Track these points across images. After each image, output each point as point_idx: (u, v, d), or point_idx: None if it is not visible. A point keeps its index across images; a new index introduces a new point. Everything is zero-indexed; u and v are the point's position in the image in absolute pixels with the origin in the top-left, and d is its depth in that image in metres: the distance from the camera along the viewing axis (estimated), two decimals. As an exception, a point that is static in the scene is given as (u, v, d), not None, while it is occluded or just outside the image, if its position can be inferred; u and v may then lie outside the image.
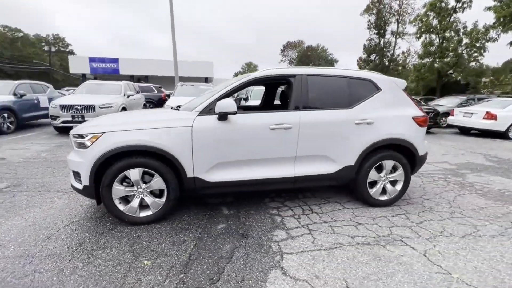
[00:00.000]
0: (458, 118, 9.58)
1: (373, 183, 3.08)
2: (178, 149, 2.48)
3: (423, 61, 25.76)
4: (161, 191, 2.56)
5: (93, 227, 2.50)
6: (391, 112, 3.01)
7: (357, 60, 40.35)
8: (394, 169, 3.08)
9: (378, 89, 3.04)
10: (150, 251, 2.16)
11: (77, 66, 30.78)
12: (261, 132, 2.65)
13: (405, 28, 33.09)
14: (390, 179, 3.10)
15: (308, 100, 2.84)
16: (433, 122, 9.62)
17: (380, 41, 36.33)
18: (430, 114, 9.47)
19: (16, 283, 1.76)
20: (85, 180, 2.41)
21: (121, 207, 2.49)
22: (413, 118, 3.06)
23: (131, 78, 30.46)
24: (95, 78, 24.55)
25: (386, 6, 34.29)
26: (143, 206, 2.56)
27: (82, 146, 2.43)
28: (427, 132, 9.97)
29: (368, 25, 36.45)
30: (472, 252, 2.25)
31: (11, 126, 7.62)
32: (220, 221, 2.70)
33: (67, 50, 56.32)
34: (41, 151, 5.55)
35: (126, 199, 2.53)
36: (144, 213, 2.55)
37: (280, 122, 2.68)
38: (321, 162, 2.87)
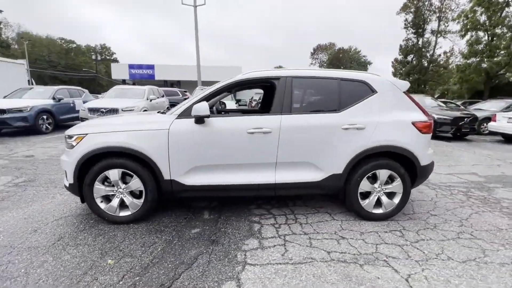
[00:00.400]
0: (501, 124, 8.44)
1: (366, 194, 2.81)
2: (155, 151, 2.52)
3: (468, 61, 23.41)
4: (140, 192, 2.62)
5: (77, 224, 2.64)
6: (387, 116, 2.73)
7: (392, 62, 38.08)
8: (392, 179, 2.78)
9: (373, 91, 2.78)
10: (118, 250, 2.21)
11: (118, 72, 33.52)
12: (238, 136, 2.58)
13: (447, 26, 30.45)
14: (386, 191, 2.80)
15: (292, 104, 2.69)
16: (469, 128, 8.62)
17: (418, 40, 33.87)
18: (465, 119, 8.50)
19: (-10, 271, 1.91)
20: (70, 178, 2.56)
21: (102, 205, 2.59)
22: (413, 123, 2.74)
23: (165, 83, 32.39)
24: (134, 84, 26.45)
25: (426, 3, 31.88)
26: (123, 206, 2.64)
27: (70, 146, 2.58)
28: (462, 139, 8.98)
29: (405, 24, 34.25)
30: (468, 281, 1.91)
31: (49, 127, 8.50)
32: (197, 225, 2.67)
33: (112, 58, 61.64)
34: (66, 150, 6.08)
35: (108, 198, 2.63)
36: (123, 213, 2.63)
37: (259, 126, 2.58)
38: (304, 170, 2.70)
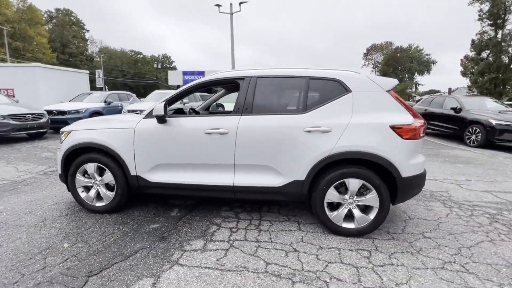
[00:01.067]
0: None
1: (337, 206, 2.51)
2: (122, 148, 2.71)
3: None
4: (113, 185, 2.84)
5: (64, 209, 3.01)
6: (360, 118, 2.40)
7: (461, 60, 33.06)
8: (367, 190, 2.43)
9: (347, 90, 2.49)
10: (79, 236, 2.44)
11: (174, 79, 36.83)
12: (197, 136, 2.59)
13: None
14: (359, 203, 2.46)
15: (253, 104, 2.59)
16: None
17: (496, 33, 28.70)
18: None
19: (-23, 241, 2.32)
20: (59, 169, 2.94)
21: (82, 195, 2.90)
22: (392, 127, 2.34)
23: None
24: (178, 87, 28.74)
25: (508, -12, 26.88)
26: (99, 197, 2.90)
27: (61, 141, 2.97)
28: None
29: (480, 15, 29.47)
30: (416, 321, 1.55)
31: (100, 126, 9.88)
32: (159, 221, 2.77)
33: (171, 66, 68.30)
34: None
35: (88, 189, 2.94)
36: (99, 203, 2.89)
37: (216, 126, 2.55)
38: (264, 174, 2.55)
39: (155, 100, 10.36)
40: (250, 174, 2.58)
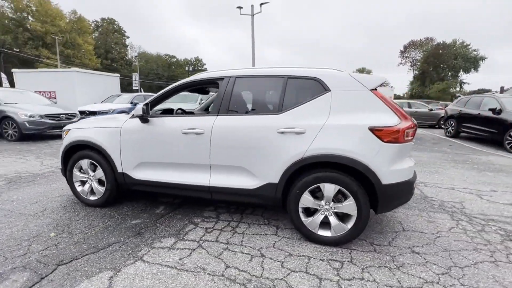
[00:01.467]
0: None
1: (314, 211, 2.38)
2: (110, 146, 2.86)
3: None
4: (104, 180, 3.02)
5: (65, 202, 3.26)
6: (337, 119, 2.24)
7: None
8: (344, 197, 2.26)
9: (325, 89, 2.34)
10: (66, 227, 2.63)
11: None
12: (175, 136, 2.64)
13: None
14: (336, 210, 2.29)
15: (229, 105, 2.56)
16: None
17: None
18: None
19: (-17, 225, 2.62)
20: (60, 164, 3.20)
21: (78, 189, 3.13)
22: (371, 128, 2.14)
23: None
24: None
25: None
26: (93, 191, 3.10)
27: (62, 138, 3.23)
28: None
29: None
30: None
31: (126, 125, 10.61)
32: (142, 217, 2.87)
33: (202, 68, 70.79)
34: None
35: (84, 183, 3.15)
36: (92, 197, 3.09)
37: (192, 126, 2.57)
38: (239, 175, 2.51)
39: (179, 101, 10.79)
40: (225, 175, 2.55)
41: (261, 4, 13.94)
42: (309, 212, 2.39)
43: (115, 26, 51.83)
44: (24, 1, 36.23)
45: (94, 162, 2.98)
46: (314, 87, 2.38)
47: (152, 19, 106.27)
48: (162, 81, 57.29)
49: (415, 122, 2.34)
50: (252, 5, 14.17)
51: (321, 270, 2.01)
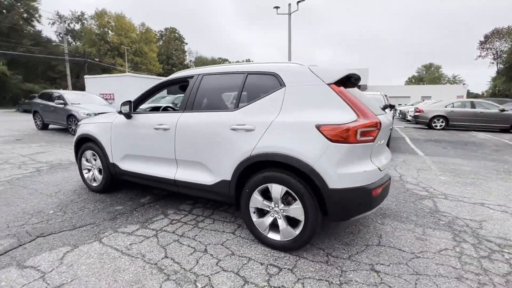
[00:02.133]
0: None
1: (266, 213, 2.27)
2: (104, 139, 3.24)
3: None
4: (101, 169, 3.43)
5: (78, 186, 3.81)
6: (287, 116, 2.10)
7: None
8: (293, 200, 2.10)
9: (281, 85, 2.22)
10: (65, 207, 3.07)
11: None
12: (148, 131, 2.83)
13: None
14: (285, 214, 2.14)
15: (195, 101, 2.63)
16: None
17: None
18: None
19: (16, 195, 3.26)
20: (74, 153, 3.75)
21: (85, 175, 3.62)
22: (318, 126, 1.94)
23: None
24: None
25: None
26: (94, 178, 3.55)
27: (76, 132, 3.78)
28: None
29: None
30: None
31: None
32: (126, 204, 3.15)
33: (253, 70, 72.63)
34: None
35: (89, 170, 3.63)
36: (94, 184, 3.53)
37: (161, 122, 2.72)
38: (199, 171, 2.55)
39: None
40: (188, 170, 2.63)
41: (298, 2, 13.60)
42: (262, 213, 2.30)
43: (176, 34, 57.24)
44: (105, 18, 42.90)
45: (95, 153, 3.41)
46: (271, 83, 2.28)
47: (209, 25, 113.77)
48: (215, 83, 60.90)
49: (380, 120, 2.02)
50: (289, 4, 13.94)
51: (252, 274, 1.92)
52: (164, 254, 2.14)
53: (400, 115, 19.00)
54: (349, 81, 2.28)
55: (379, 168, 2.03)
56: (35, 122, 10.74)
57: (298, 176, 2.04)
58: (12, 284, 1.76)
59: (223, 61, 67.91)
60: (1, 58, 33.72)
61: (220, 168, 2.39)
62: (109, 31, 44.02)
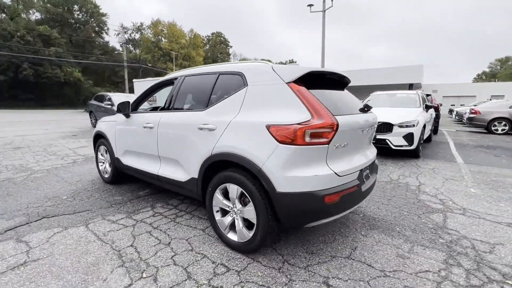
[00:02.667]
0: None
1: (226, 212, 2.28)
2: (110, 136, 3.61)
3: None
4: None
5: (96, 177, 4.31)
6: (245, 115, 2.07)
7: None
8: (248, 201, 2.06)
9: (244, 84, 2.20)
10: (77, 194, 3.52)
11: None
12: (139, 130, 3.07)
13: None
14: (241, 215, 2.12)
15: (175, 101, 2.77)
16: None
17: None
18: None
19: (46, 182, 3.86)
20: (93, 149, 4.26)
21: (100, 168, 4.08)
22: (268, 127, 1.86)
23: None
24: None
25: None
26: (106, 171, 3.97)
27: (97, 129, 4.28)
28: None
29: None
30: None
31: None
32: (126, 195, 3.46)
33: (296, 70, 71.78)
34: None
35: (103, 163, 4.08)
36: (106, 176, 3.96)
37: (148, 121, 2.92)
38: (174, 167, 2.67)
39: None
40: (168, 167, 2.78)
41: (332, -2, 12.89)
42: (224, 212, 2.30)
43: (221, 38, 59.89)
44: (159, 27, 47.17)
45: (106, 148, 3.82)
46: (237, 83, 2.27)
47: (254, 28, 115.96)
48: (257, 85, 61.95)
49: (337, 122, 1.84)
50: (324, 0, 13.33)
51: (199, 271, 1.95)
52: (131, 243, 2.31)
53: (457, 117, 16.69)
54: (322, 80, 2.15)
55: (336, 173, 1.86)
56: (91, 120, 12.42)
57: (252, 177, 2.00)
58: (3, 254, 2.11)
59: (265, 61, 68.60)
60: (77, 66, 39.78)
61: (190, 166, 2.48)
62: (162, 39, 48.31)
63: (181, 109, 2.74)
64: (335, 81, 2.45)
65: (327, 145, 1.83)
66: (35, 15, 42.51)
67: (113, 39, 69.71)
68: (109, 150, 3.69)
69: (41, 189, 3.67)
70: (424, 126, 6.15)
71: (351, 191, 1.96)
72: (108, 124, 3.72)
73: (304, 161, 1.81)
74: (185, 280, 1.84)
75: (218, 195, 2.25)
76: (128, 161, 3.38)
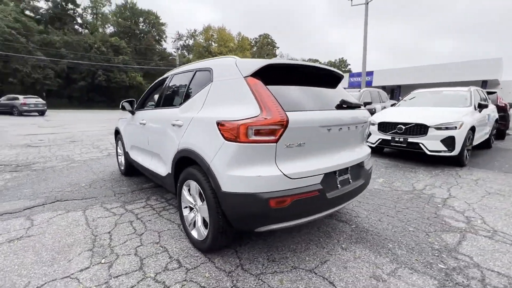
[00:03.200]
0: None
1: (191, 209, 2.27)
2: (122, 132, 3.95)
3: None
4: (127, 157, 4.18)
5: (117, 169, 4.76)
6: (205, 112, 2.05)
7: None
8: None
9: (211, 80, 2.16)
10: (94, 183, 3.93)
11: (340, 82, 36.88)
12: (138, 126, 3.28)
13: None
14: (199, 212, 2.08)
15: (163, 99, 2.88)
16: None
17: None
18: None
19: (73, 172, 4.44)
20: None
21: (118, 161, 4.50)
22: (218, 123, 1.78)
23: (383, 88, 31.10)
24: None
25: None
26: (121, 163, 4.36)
27: (120, 126, 4.73)
28: None
29: None
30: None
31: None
32: (131, 186, 3.74)
33: (346, 69, 67.98)
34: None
35: (120, 156, 4.48)
36: (122, 168, 4.35)
37: (142, 118, 3.10)
38: (159, 162, 2.77)
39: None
40: (154, 161, 2.90)
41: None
42: (191, 209, 2.30)
43: (268, 40, 60.41)
44: (210, 32, 49.98)
45: (121, 143, 4.20)
46: (207, 79, 2.25)
47: (302, 28, 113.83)
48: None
49: (287, 118, 1.65)
50: (367, -8, 12.20)
51: (152, 264, 1.98)
52: (109, 230, 2.48)
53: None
54: (300, 75, 2.02)
55: (285, 174, 1.67)
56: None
57: (205, 175, 1.95)
58: (10, 228, 2.49)
59: (313, 61, 66.74)
60: (140, 71, 44.80)
61: (167, 161, 2.54)
62: (212, 43, 51.06)
63: (165, 106, 2.84)
64: (324, 77, 2.25)
65: (274, 144, 1.66)
66: (110, 29, 49.41)
67: (170, 46, 76.52)
68: (122, 145, 4.04)
69: (69, 177, 4.22)
70: (473, 129, 5.17)
71: (308, 196, 1.75)
72: (123, 121, 4.08)
73: (248, 160, 1.68)
74: (136, 270, 1.89)
75: (184, 191, 2.26)
76: (133, 155, 3.64)
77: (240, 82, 1.88)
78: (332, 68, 2.30)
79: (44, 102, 20.89)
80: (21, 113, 19.56)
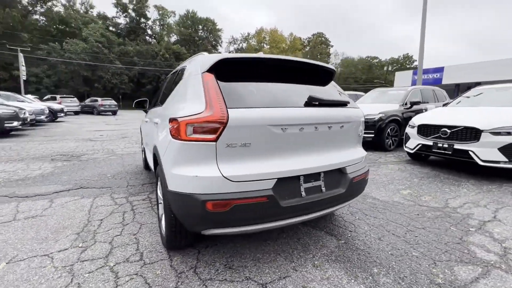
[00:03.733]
0: None
1: (166, 205, 2.30)
2: (142, 129, 4.29)
3: None
4: (146, 152, 4.53)
5: (138, 167, 5.20)
6: (168, 109, 2.05)
7: None
8: (169, 197, 2.02)
9: (183, 77, 2.16)
10: (117, 175, 4.38)
11: (402, 80, 33.18)
12: (144, 124, 3.51)
13: None
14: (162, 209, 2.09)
15: (160, 98, 2.99)
16: None
17: None
18: None
19: (85, 168, 5.03)
20: (143, 139, 5.16)
21: (142, 156, 4.90)
22: (170, 121, 1.75)
23: (457, 86, 26.92)
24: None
25: None
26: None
27: (147, 124, 5.16)
28: None
29: None
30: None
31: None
32: (145, 180, 4.02)
33: (411, 66, 60.82)
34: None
35: (146, 153, 4.87)
36: (143, 162, 4.73)
37: (149, 116, 3.30)
38: (150, 158, 2.90)
39: (371, 102, 7.82)
40: (149, 156, 3.05)
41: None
42: (165, 205, 2.34)
43: (322, 39, 58.33)
44: (262, 34, 50.89)
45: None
46: (182, 76, 2.26)
47: (360, 24, 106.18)
48: (359, 84, 56.63)
49: (227, 115, 1.50)
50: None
51: (118, 253, 2.06)
52: (102, 218, 2.70)
53: None
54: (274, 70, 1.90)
55: (225, 176, 1.54)
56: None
57: (165, 172, 1.95)
58: (31, 208, 2.93)
59: (372, 59, 61.64)
60: (197, 75, 48.42)
61: (151, 158, 2.64)
62: (264, 45, 51.90)
63: (157, 105, 2.97)
64: (306, 72, 2.05)
65: (214, 143, 1.55)
66: (173, 37, 54.85)
67: (224, 50, 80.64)
68: (141, 141, 4.40)
69: (102, 168, 4.79)
70: None
71: (253, 202, 1.58)
72: (142, 121, 4.44)
73: (188, 159, 1.61)
74: (101, 258, 2.01)
75: (158, 187, 2.31)
76: (145, 151, 3.92)
77: (198, 78, 1.82)
78: (309, 61, 2.04)
79: (116, 103, 24.38)
80: (99, 113, 23.23)
